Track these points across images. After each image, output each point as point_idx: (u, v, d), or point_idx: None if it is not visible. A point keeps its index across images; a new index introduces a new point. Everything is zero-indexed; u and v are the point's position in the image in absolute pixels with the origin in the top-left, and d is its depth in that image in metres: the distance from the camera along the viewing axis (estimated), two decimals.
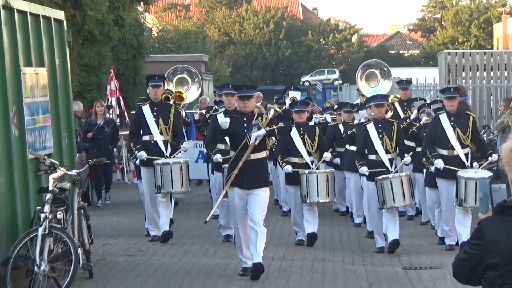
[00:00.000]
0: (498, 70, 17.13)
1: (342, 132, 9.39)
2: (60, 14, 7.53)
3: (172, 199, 8.35)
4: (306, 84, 40.06)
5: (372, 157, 7.44)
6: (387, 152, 7.42)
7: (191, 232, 8.82)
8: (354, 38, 54.09)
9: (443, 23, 51.78)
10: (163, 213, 7.97)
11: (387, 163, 7.39)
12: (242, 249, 6.19)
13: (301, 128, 7.99)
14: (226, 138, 6.82)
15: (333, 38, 51.16)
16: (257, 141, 6.09)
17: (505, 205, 1.67)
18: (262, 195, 6.24)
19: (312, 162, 7.90)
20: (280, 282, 6.33)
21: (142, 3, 19.61)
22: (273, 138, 6.64)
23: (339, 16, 76.62)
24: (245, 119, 6.30)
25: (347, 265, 7.23)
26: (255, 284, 6.12)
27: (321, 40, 51.64)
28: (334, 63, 50.94)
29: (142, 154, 7.75)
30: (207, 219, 6.88)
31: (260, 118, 6.33)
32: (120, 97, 13.86)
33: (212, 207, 7.37)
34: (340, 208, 10.34)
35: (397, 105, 9.92)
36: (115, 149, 12.14)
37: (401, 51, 53.08)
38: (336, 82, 40.15)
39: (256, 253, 6.10)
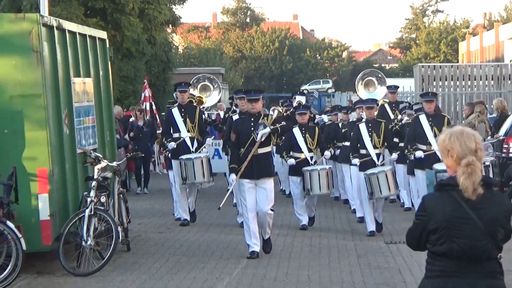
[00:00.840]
0: (463, 80, 17.37)
1: (341, 128, 9.12)
2: (103, 34, 7.48)
3: (197, 187, 8.21)
4: (305, 91, 39.62)
5: (362, 151, 7.26)
6: (375, 147, 7.22)
7: (210, 214, 8.72)
8: (344, 54, 53.55)
9: (417, 41, 51.20)
10: (190, 198, 7.96)
11: (374, 157, 7.18)
12: (251, 236, 5.91)
13: (303, 128, 7.76)
14: None
15: (327, 54, 50.59)
16: (263, 138, 5.93)
17: (441, 183, 1.81)
18: (268, 188, 6.01)
19: (311, 157, 7.66)
20: (284, 254, 6.25)
21: (170, 25, 19.49)
22: (276, 135, 6.44)
23: (332, 36, 75.74)
24: (252, 119, 6.11)
25: (339, 240, 7.11)
26: (264, 255, 6.03)
27: (317, 55, 51.08)
28: (328, 74, 50.42)
29: (172, 144, 7.61)
30: (220, 206, 6.59)
31: (265, 118, 6.14)
32: (153, 103, 13.74)
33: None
34: (336, 195, 10.03)
35: (387, 106, 9.72)
36: (154, 146, 12.08)
37: (383, 65, 52.33)
38: (329, 90, 39.69)
39: (266, 232, 6.02)
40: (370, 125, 7.38)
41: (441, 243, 1.73)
